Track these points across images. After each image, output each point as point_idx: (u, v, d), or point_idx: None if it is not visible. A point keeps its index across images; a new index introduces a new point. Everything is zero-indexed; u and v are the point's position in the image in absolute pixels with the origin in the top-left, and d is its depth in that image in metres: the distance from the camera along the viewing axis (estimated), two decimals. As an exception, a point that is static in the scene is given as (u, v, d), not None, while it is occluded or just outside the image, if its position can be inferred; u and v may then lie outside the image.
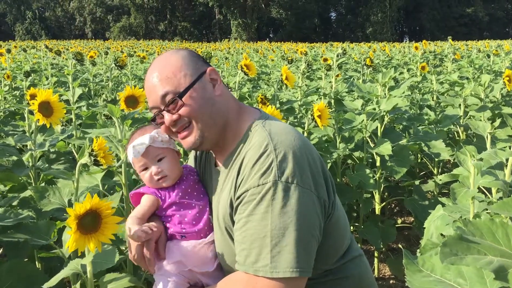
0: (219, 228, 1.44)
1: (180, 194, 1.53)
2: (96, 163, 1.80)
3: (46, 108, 2.35)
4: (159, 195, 1.53)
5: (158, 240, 1.47)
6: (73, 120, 3.16)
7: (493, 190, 2.02)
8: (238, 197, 1.32)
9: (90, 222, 1.32)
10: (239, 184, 1.33)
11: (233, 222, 1.36)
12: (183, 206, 1.52)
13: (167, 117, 1.39)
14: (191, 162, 1.76)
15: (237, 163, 1.39)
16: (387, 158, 3.18)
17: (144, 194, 1.55)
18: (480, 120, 3.80)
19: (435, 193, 3.73)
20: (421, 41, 12.83)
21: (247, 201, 1.28)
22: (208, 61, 1.60)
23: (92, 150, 1.81)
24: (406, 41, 58.84)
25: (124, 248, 1.91)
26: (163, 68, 1.40)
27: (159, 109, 1.41)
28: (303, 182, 1.27)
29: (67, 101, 3.63)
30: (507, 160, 1.94)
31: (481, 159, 2.01)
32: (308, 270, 1.27)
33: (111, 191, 2.59)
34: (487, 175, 1.83)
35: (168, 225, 1.51)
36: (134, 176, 2.60)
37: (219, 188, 1.48)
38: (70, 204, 1.91)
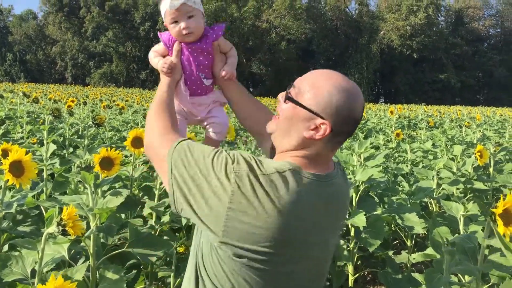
0: None
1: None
2: (64, 233, 1.75)
3: (17, 168, 2.29)
4: (168, 45, 1.77)
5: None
6: (45, 177, 3.08)
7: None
8: None
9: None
10: None
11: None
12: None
13: (279, 97, 1.46)
14: None
15: None
16: (361, 229, 3.17)
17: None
18: (453, 194, 3.86)
19: (409, 265, 3.72)
20: (396, 104, 13.22)
21: None
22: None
23: (61, 220, 1.76)
24: (381, 102, 60.57)
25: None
26: (318, 77, 1.38)
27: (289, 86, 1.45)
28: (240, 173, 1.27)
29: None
30: (479, 245, 1.95)
31: (454, 243, 2.02)
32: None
33: (78, 257, 2.50)
34: (460, 261, 1.83)
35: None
36: (102, 240, 2.52)
37: None
38: (33, 274, 1.82)
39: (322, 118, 1.33)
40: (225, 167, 1.27)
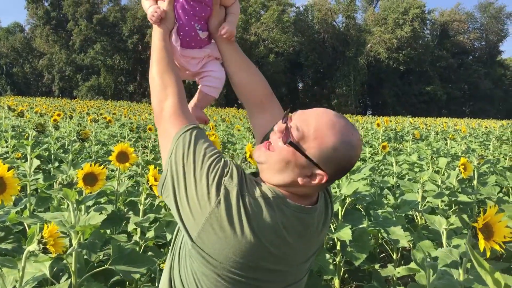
0: None
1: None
2: (45, 251, 1.73)
3: (-1, 185, 2.27)
4: None
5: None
6: (28, 192, 3.05)
7: (449, 289, 2.02)
8: None
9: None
10: None
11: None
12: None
13: (276, 127, 1.34)
14: None
15: None
16: (347, 242, 3.18)
17: None
18: (438, 206, 3.89)
19: (395, 279, 3.72)
20: (383, 116, 13.34)
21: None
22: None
23: (42, 237, 1.74)
24: (369, 114, 61.03)
25: None
26: (324, 125, 1.29)
27: (288, 119, 1.35)
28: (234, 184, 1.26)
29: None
30: (461, 259, 1.96)
31: (436, 257, 2.03)
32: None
33: (60, 274, 2.47)
34: (442, 276, 1.84)
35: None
36: (86, 257, 2.49)
37: None
38: (14, 293, 1.80)
39: (321, 169, 1.29)
40: (219, 178, 1.25)
